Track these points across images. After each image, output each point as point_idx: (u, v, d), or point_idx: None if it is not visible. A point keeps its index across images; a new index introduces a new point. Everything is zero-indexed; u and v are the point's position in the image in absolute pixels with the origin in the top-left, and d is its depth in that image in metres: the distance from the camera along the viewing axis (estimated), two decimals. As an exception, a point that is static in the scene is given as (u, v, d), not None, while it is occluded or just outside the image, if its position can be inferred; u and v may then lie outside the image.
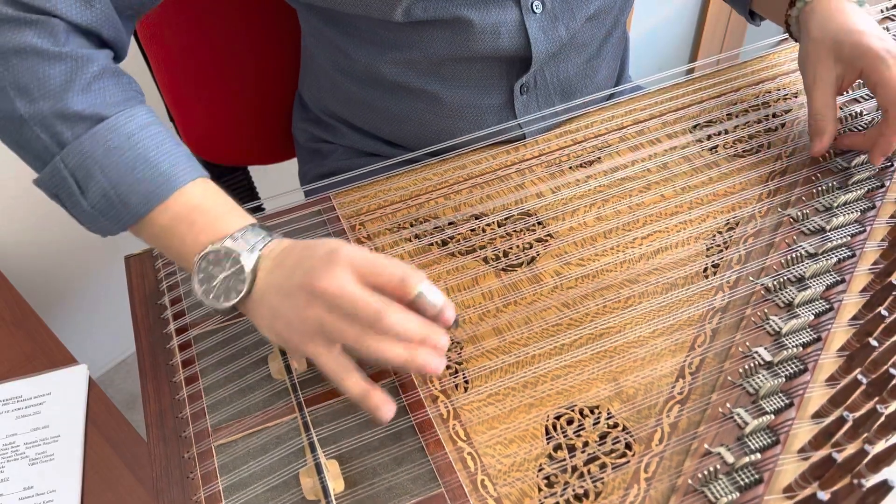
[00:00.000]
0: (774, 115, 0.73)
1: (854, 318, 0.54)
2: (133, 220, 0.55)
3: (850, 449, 0.47)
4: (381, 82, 0.75)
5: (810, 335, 0.53)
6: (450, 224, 0.66)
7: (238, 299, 0.52)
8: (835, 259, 0.58)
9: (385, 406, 0.48)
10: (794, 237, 0.61)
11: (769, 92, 0.76)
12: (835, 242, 0.59)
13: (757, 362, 0.52)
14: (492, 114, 0.76)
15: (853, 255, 0.58)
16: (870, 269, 0.58)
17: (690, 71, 0.83)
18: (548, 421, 0.52)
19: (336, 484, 0.49)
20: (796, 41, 0.71)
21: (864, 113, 0.72)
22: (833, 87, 0.64)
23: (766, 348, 0.53)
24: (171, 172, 0.55)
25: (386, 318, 0.47)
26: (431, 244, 0.64)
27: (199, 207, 0.56)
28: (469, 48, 0.69)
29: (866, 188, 0.64)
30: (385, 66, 0.73)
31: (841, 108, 0.72)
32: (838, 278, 0.57)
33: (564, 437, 0.51)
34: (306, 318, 0.48)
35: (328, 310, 0.48)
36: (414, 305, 0.49)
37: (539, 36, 0.70)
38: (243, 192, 1.01)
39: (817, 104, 0.65)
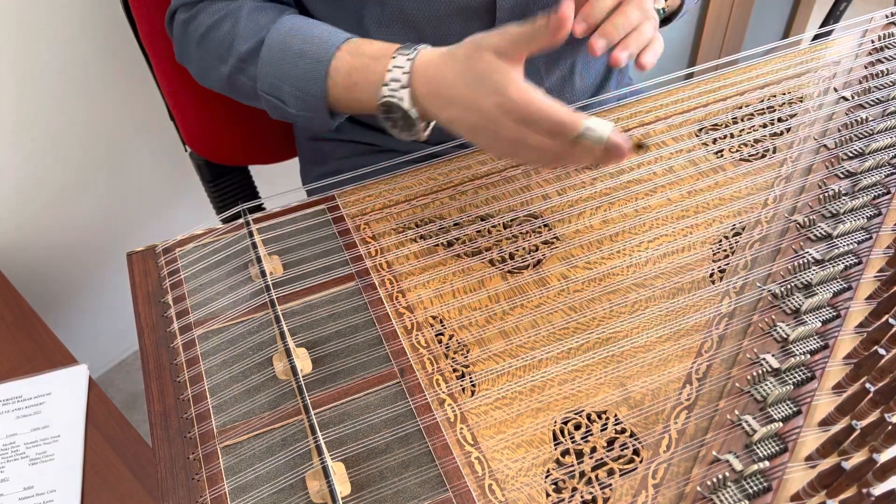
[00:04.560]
0: (780, 120, 0.74)
1: (861, 325, 0.55)
2: (321, 101, 0.63)
3: (858, 457, 0.47)
4: None
5: (818, 342, 0.53)
6: (455, 225, 0.66)
7: (420, 127, 0.60)
8: (841, 266, 0.58)
9: (624, 144, 0.53)
10: (801, 243, 0.61)
11: (774, 96, 0.76)
12: (841, 249, 0.59)
13: (765, 369, 0.52)
14: None
15: (860, 262, 0.58)
16: (876, 277, 0.58)
17: (690, 75, 0.83)
18: (555, 426, 0.52)
19: (343, 487, 0.49)
20: None
21: (870, 119, 0.72)
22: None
23: (773, 355, 0.53)
24: (318, 54, 0.62)
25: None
26: (437, 245, 0.64)
27: (354, 70, 0.62)
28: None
29: (872, 195, 0.64)
30: (366, 30, 0.71)
31: (846, 114, 0.73)
32: (845, 285, 0.57)
33: (572, 442, 0.51)
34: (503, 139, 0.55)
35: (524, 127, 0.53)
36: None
37: None
38: (243, 192, 1.01)
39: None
